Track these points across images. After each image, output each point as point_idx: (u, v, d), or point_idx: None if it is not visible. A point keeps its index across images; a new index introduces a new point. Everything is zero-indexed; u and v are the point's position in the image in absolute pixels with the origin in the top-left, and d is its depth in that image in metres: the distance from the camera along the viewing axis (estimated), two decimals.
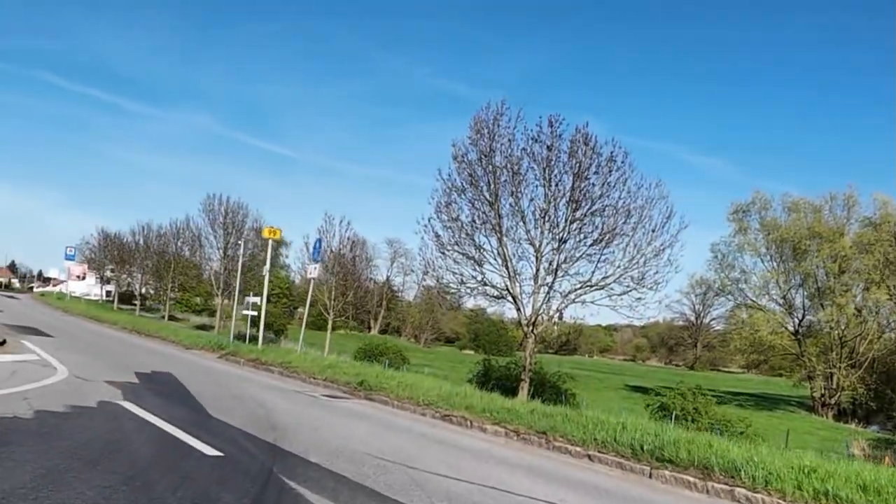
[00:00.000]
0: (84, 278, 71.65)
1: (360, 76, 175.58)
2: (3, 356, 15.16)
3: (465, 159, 25.10)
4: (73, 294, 75.70)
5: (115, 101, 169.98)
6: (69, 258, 54.31)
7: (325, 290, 41.56)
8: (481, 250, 25.21)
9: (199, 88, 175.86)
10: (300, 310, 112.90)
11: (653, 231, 24.44)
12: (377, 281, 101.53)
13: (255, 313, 43.41)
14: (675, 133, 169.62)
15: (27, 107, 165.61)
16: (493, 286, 25.25)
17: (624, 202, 24.28)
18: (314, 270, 22.82)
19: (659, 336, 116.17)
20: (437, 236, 25.45)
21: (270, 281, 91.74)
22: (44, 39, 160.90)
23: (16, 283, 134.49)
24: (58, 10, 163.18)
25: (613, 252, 24.60)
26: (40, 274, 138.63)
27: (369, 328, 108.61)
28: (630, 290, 24.67)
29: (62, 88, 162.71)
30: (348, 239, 39.47)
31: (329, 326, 43.40)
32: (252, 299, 36.21)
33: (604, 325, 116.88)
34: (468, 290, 25.33)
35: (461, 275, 25.24)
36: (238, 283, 30.83)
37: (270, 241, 25.23)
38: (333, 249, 40.01)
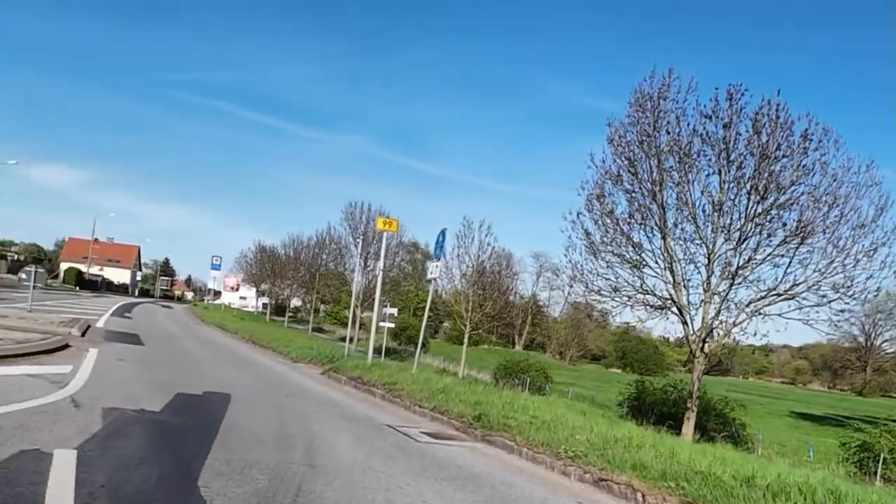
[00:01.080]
0: (237, 289, 70.57)
1: (511, 96, 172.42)
2: (30, 366, 11.31)
3: (623, 141, 19.87)
4: (230, 305, 74.92)
5: (284, 126, 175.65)
6: (214, 268, 52.21)
7: (462, 300, 37.05)
8: (640, 250, 19.84)
9: (359, 113, 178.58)
10: (445, 324, 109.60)
11: (862, 226, 18.35)
12: (522, 295, 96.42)
13: (392, 325, 39.57)
14: None
15: (208, 134, 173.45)
16: (653, 294, 19.81)
17: (825, 190, 18.38)
18: (435, 269, 18.05)
19: (822, 358, 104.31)
20: (588, 234, 20.25)
21: (415, 294, 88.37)
22: (225, 73, 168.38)
23: (189, 295, 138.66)
24: (238, 45, 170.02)
25: (811, 252, 18.71)
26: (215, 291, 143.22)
27: (513, 343, 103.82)
28: (831, 301, 18.67)
29: (239, 117, 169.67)
30: (488, 245, 34.87)
31: (465, 340, 38.73)
32: (388, 310, 32.46)
33: (757, 344, 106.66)
34: (623, 299, 19.98)
35: (615, 280, 19.94)
36: (355, 291, 26.42)
37: (385, 235, 20.71)
38: (472, 256, 35.49)
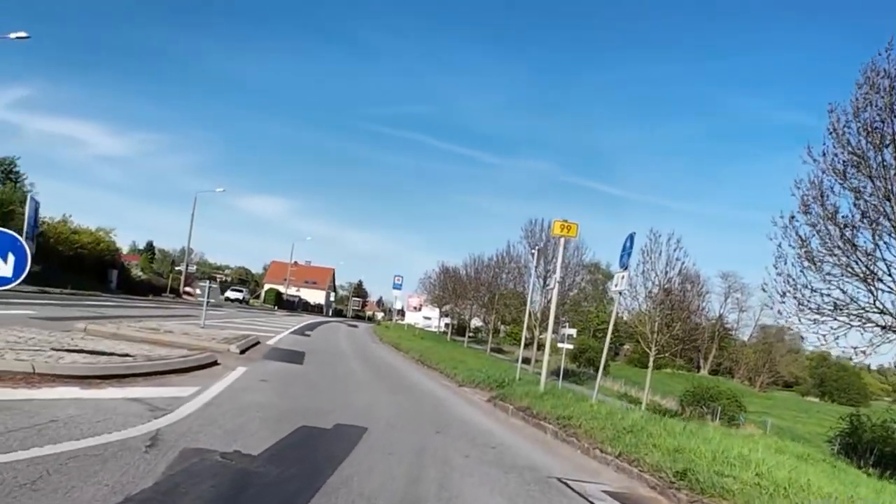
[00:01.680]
0: (420, 309, 69.83)
1: (696, 115, 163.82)
2: (149, 388, 9.54)
3: (849, 129, 15.93)
4: (415, 325, 74.43)
5: (471, 154, 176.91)
6: (396, 287, 51.13)
7: (648, 320, 33.35)
8: (872, 260, 15.72)
9: (543, 138, 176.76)
10: (626, 346, 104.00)
11: None
12: (709, 317, 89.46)
13: (571, 346, 36.27)
14: None
15: (400, 164, 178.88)
16: (891, 314, 15.63)
17: None
18: (621, 281, 14.90)
19: None
20: (802, 241, 16.44)
21: (596, 315, 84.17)
22: (421, 106, 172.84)
23: (379, 315, 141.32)
24: (434, 80, 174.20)
25: None
26: (402, 310, 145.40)
27: (698, 368, 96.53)
28: None
29: (428, 146, 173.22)
30: (677, 260, 31.05)
31: (650, 364, 34.89)
32: (566, 330, 29.58)
33: None
34: (851, 319, 15.92)
35: (843, 295, 15.94)
36: (529, 309, 23.56)
37: (563, 241, 17.45)
38: (658, 272, 31.85)
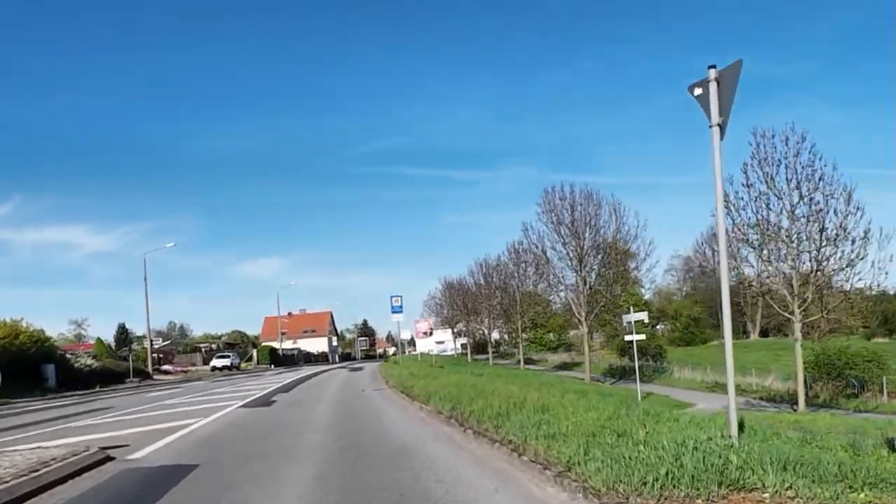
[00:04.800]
0: (430, 334, 57.49)
1: (662, 89, 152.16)
2: None
3: None
4: (429, 353, 61.86)
5: (447, 174, 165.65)
6: (395, 311, 38.46)
7: (796, 278, 21.57)
8: None
9: (520, 144, 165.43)
10: (660, 326, 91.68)
11: None
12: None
13: (643, 337, 24.97)
14: None
15: (386, 198, 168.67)
16: None
17: None
18: None
19: None
20: None
21: (625, 300, 70.18)
22: (396, 138, 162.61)
23: (391, 350, 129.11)
24: (400, 113, 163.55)
25: None
26: (412, 340, 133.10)
27: (745, 333, 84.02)
28: None
29: (408, 175, 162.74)
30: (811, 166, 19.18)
31: (798, 336, 22.81)
32: (632, 317, 18.22)
33: None
34: None
35: None
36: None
37: None
38: (793, 189, 20.25)
